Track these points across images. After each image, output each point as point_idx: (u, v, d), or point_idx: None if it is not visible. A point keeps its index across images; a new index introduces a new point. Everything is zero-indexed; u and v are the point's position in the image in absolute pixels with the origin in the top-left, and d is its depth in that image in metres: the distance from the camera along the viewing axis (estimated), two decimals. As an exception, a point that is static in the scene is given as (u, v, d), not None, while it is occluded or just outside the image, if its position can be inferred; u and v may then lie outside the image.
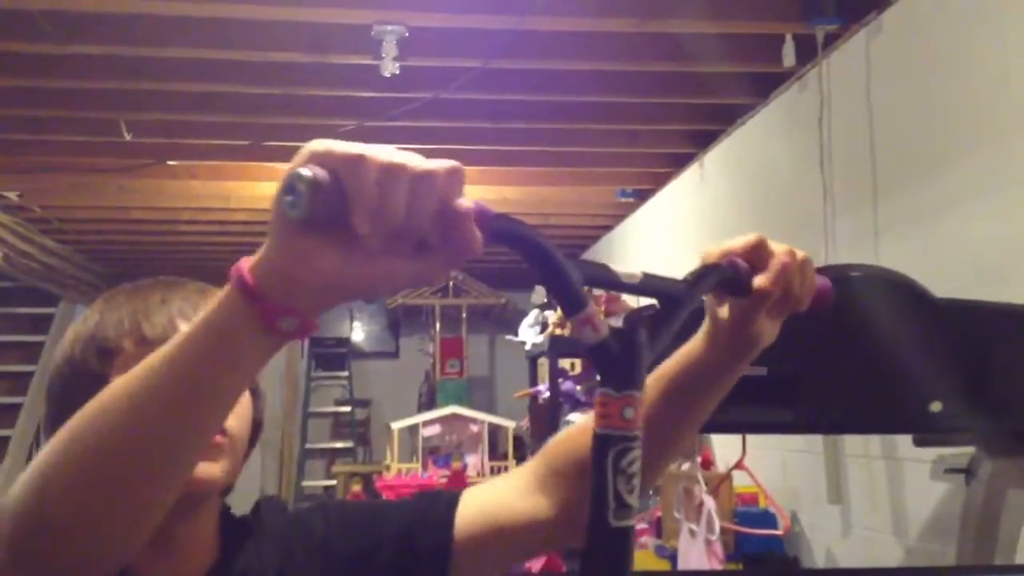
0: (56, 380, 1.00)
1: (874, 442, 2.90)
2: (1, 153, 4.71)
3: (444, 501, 1.05)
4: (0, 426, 6.67)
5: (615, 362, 0.73)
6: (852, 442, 3.05)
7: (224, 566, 1.01)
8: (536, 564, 3.50)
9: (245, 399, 1.01)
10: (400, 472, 5.00)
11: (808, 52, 3.27)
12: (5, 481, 6.51)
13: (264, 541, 1.04)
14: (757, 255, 0.89)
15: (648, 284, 0.79)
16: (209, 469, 0.95)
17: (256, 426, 1.06)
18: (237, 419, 0.99)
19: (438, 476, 3.78)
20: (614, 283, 0.77)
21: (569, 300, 0.72)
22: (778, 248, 0.90)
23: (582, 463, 0.81)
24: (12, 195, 5.35)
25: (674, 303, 0.81)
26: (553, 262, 0.71)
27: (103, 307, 1.01)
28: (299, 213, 0.64)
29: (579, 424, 0.99)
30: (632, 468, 0.71)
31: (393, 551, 1.02)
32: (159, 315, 0.98)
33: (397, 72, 3.30)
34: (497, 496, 1.03)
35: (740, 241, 0.89)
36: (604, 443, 0.71)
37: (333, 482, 7.71)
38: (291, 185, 0.65)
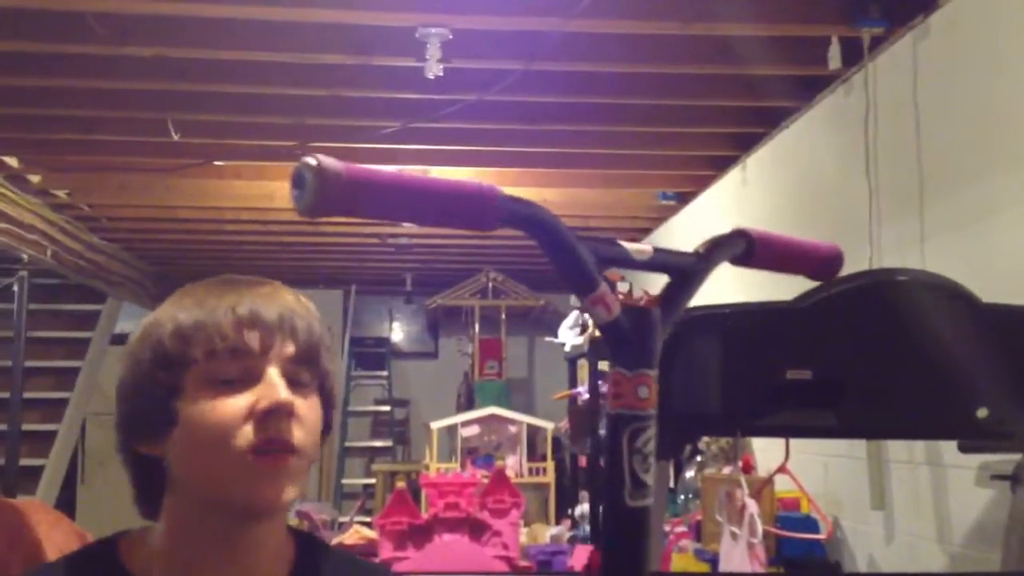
0: (128, 384, 0.99)
1: (918, 448, 2.88)
2: (51, 152, 4.80)
3: None
4: (47, 420, 6.77)
5: (628, 341, 0.73)
6: (896, 448, 3.02)
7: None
8: (579, 561, 3.51)
9: (315, 411, 1.00)
10: (440, 471, 5.03)
11: (854, 55, 3.25)
12: (51, 474, 6.62)
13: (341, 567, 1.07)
14: None
15: (659, 260, 0.79)
16: (282, 493, 0.95)
17: (326, 427, 1.05)
18: (308, 434, 0.98)
19: (480, 476, 3.79)
20: (625, 260, 0.77)
21: (581, 279, 0.73)
22: None
23: None
24: (61, 193, 5.44)
25: (687, 277, 0.80)
26: (564, 241, 0.72)
27: (175, 307, 0.99)
28: (305, 204, 0.63)
29: None
30: (647, 448, 0.71)
31: None
32: (229, 325, 0.96)
33: (441, 74, 3.32)
34: None
35: None
36: (618, 423, 0.71)
37: (372, 480, 7.76)
38: (298, 176, 0.64)
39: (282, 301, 1.00)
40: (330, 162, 0.62)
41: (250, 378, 0.95)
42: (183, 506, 0.98)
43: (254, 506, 0.95)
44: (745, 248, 0.84)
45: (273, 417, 0.94)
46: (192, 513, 0.97)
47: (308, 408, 0.98)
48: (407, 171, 0.69)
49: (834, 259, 0.94)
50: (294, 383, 0.97)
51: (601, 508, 0.73)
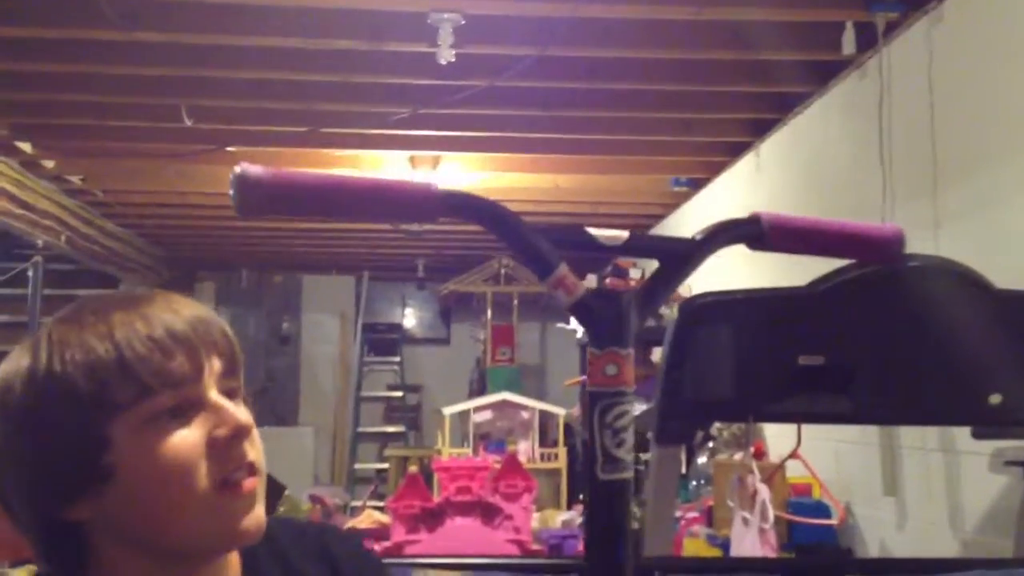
0: (26, 443, 0.83)
1: (931, 434, 2.88)
2: (65, 138, 4.82)
3: None
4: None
5: (595, 321, 0.74)
6: (908, 434, 3.02)
7: None
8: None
9: (249, 415, 0.89)
10: (453, 456, 5.05)
11: (868, 40, 3.23)
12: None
13: (289, 566, 0.98)
14: None
15: (639, 245, 0.79)
16: (261, 516, 0.87)
17: None
18: (257, 448, 0.89)
19: (492, 461, 3.81)
20: (590, 246, 0.77)
21: (537, 263, 0.74)
22: None
23: None
24: (75, 179, 5.46)
25: (678, 262, 0.80)
26: (516, 228, 0.73)
27: (71, 353, 0.82)
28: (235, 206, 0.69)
29: None
30: (619, 423, 0.72)
31: None
32: (154, 354, 0.83)
33: (453, 60, 3.31)
34: None
35: None
36: (591, 399, 0.73)
37: (385, 465, 7.79)
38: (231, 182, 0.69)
39: (193, 313, 0.88)
40: (252, 170, 0.67)
41: (192, 407, 0.84)
42: (131, 560, 0.86)
43: (236, 540, 0.87)
44: (754, 232, 0.82)
45: (233, 443, 0.85)
46: (145, 565, 0.86)
47: (248, 415, 0.88)
48: (344, 174, 0.72)
49: (875, 240, 0.92)
50: (231, 394, 0.88)
51: None
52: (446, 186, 0.72)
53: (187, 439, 0.83)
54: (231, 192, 0.66)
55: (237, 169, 0.66)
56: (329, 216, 0.71)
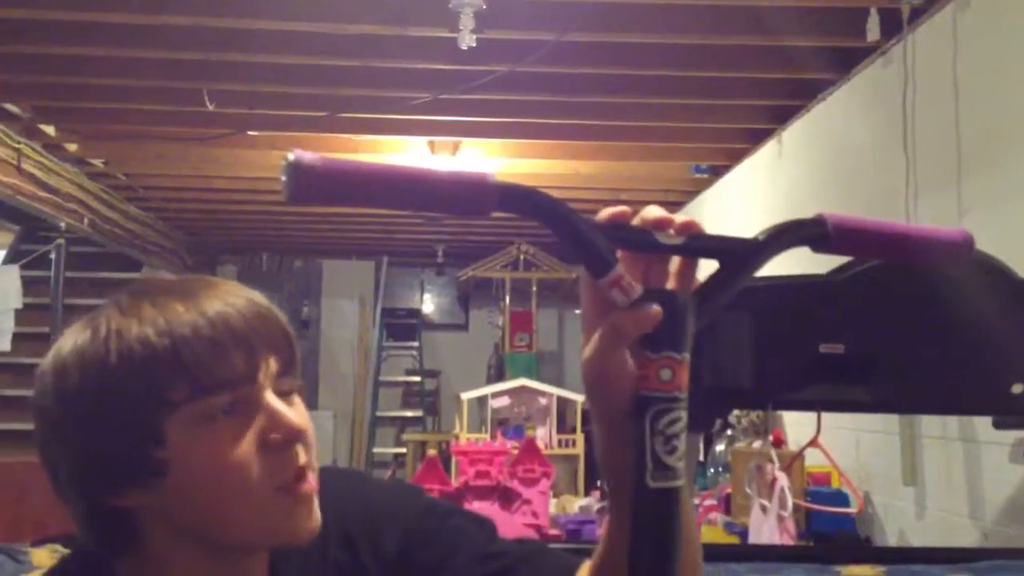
0: (78, 428, 0.83)
1: (952, 423, 2.86)
2: (88, 121, 4.84)
3: (563, 563, 0.96)
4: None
5: None
6: (929, 423, 3.00)
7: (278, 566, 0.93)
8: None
9: (309, 419, 0.89)
10: (471, 441, 5.06)
11: (893, 26, 3.20)
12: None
13: (328, 539, 0.94)
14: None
15: (697, 245, 0.75)
16: (317, 517, 0.87)
17: None
18: (313, 449, 0.88)
19: (510, 446, 3.81)
20: (649, 244, 0.74)
21: (593, 262, 0.72)
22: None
23: None
24: (98, 162, 5.49)
25: (739, 262, 0.77)
26: (573, 224, 0.71)
27: (129, 343, 0.81)
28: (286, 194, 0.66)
29: None
30: (671, 429, 0.71)
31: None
32: (209, 351, 0.82)
33: (474, 44, 3.31)
34: None
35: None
36: (641, 404, 0.71)
37: (403, 449, 7.82)
38: (282, 169, 0.66)
39: (255, 309, 0.86)
40: (306, 157, 0.66)
41: (247, 407, 0.84)
42: (176, 545, 0.86)
43: (294, 540, 0.86)
44: (819, 234, 0.78)
45: (288, 446, 0.84)
46: (190, 553, 0.87)
47: (306, 419, 0.87)
48: (399, 164, 0.70)
49: (944, 244, 0.84)
50: (286, 395, 0.87)
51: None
52: (501, 179, 0.70)
53: (241, 439, 0.82)
54: (283, 178, 0.65)
55: (291, 155, 0.65)
56: (380, 206, 0.70)
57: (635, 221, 0.75)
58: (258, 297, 0.88)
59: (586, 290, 0.77)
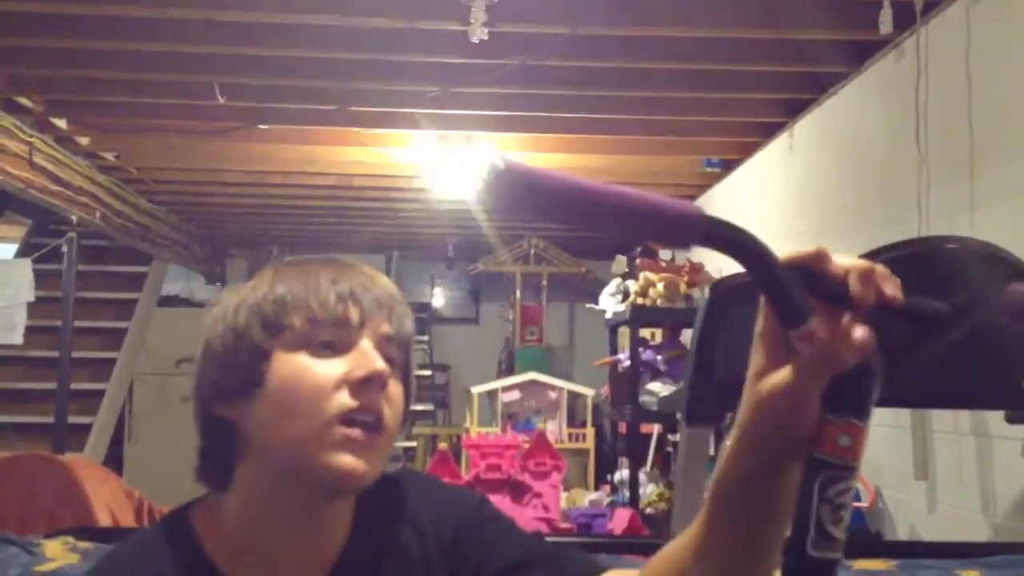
0: (217, 345, 0.97)
1: (963, 418, 2.85)
2: (100, 115, 4.85)
3: (581, 561, 1.00)
4: (96, 379, 6.89)
5: (838, 384, 0.66)
6: (940, 418, 3.00)
7: (357, 546, 0.99)
8: (619, 525, 3.52)
9: (401, 394, 0.98)
10: (481, 434, 5.07)
11: (906, 19, 3.19)
12: (99, 432, 6.75)
13: (403, 523, 1.02)
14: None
15: (893, 307, 0.67)
16: (367, 469, 0.92)
17: (405, 419, 1.02)
18: (395, 414, 0.96)
19: (521, 440, 3.82)
20: (844, 300, 0.66)
21: (786, 312, 0.67)
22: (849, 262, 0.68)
23: None
24: (110, 156, 5.51)
25: (932, 327, 0.69)
26: (773, 272, 0.66)
27: (273, 279, 0.97)
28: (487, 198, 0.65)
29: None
30: (840, 499, 0.66)
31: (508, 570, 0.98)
32: (330, 295, 0.95)
33: (486, 38, 3.30)
34: None
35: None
36: (814, 468, 0.66)
37: (413, 443, 7.83)
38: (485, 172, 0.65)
39: (384, 285, 1.00)
40: (515, 165, 0.64)
41: (345, 346, 0.94)
42: (259, 477, 0.95)
43: (337, 478, 0.91)
44: None
45: (368, 387, 0.92)
46: (268, 485, 0.95)
47: (397, 389, 0.97)
48: (604, 184, 0.66)
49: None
50: (387, 362, 0.96)
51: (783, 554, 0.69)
52: (711, 213, 0.67)
53: (329, 368, 0.93)
54: (485, 180, 0.64)
55: (498, 161, 0.64)
56: (576, 223, 0.68)
57: (831, 269, 0.67)
58: (393, 286, 1.02)
59: (768, 318, 0.70)
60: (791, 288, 0.66)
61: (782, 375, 0.68)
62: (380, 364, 0.93)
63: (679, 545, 0.81)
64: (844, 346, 0.65)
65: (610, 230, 0.67)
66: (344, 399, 0.91)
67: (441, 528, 1.01)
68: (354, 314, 0.95)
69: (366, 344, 0.94)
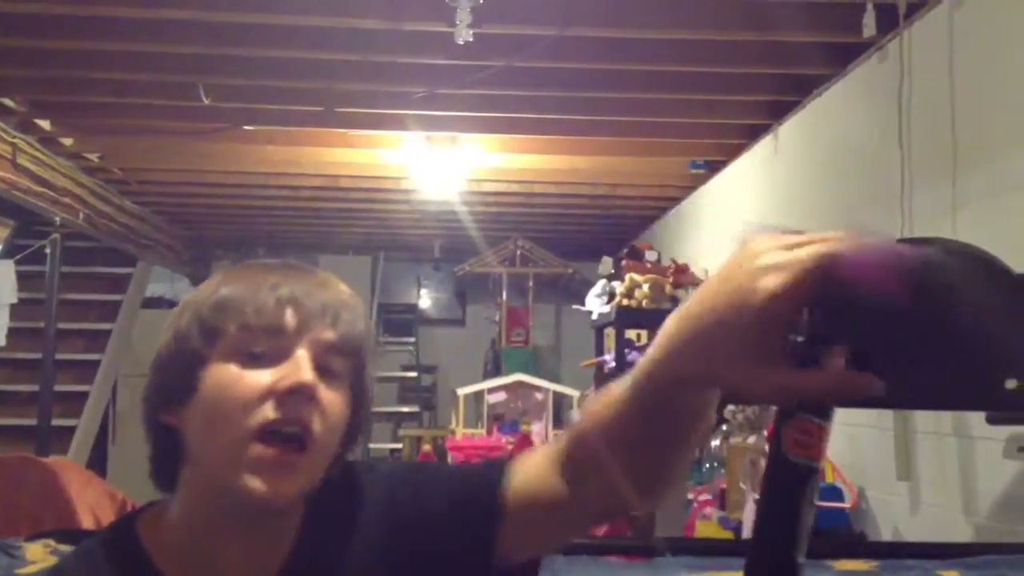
0: (162, 348, 0.96)
1: (945, 419, 2.87)
2: (84, 116, 4.83)
3: (498, 465, 0.99)
4: (79, 382, 6.87)
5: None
6: (923, 419, 3.01)
7: (303, 552, 0.97)
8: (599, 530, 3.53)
9: (341, 406, 0.95)
10: (467, 436, 5.07)
11: (889, 22, 3.20)
12: (83, 434, 6.72)
13: (352, 519, 1.00)
14: None
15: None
16: (281, 487, 0.90)
17: (354, 430, 1.00)
18: (327, 427, 0.93)
19: (505, 441, 3.82)
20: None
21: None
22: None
23: (599, 458, 0.83)
24: (93, 157, 5.48)
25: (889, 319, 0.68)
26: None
27: (219, 282, 0.96)
28: None
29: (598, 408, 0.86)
30: (815, 497, 0.65)
31: (447, 511, 0.97)
32: (268, 301, 0.93)
33: (471, 39, 3.30)
34: (538, 467, 0.94)
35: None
36: (803, 474, 0.65)
37: (399, 445, 7.83)
38: None
39: (332, 290, 0.97)
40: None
41: (278, 357, 0.91)
42: (198, 486, 0.94)
43: (250, 501, 0.89)
44: None
45: (293, 398, 0.89)
46: (207, 495, 0.94)
47: (334, 400, 0.93)
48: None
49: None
50: (326, 372, 0.93)
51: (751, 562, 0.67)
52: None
53: (256, 378, 0.90)
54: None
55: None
56: None
57: None
58: (350, 294, 0.99)
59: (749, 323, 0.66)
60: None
61: (750, 376, 0.66)
62: (307, 375, 0.90)
63: (593, 431, 0.85)
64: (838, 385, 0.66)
65: None
66: (267, 411, 0.89)
67: (384, 510, 0.99)
68: (291, 321, 0.92)
69: (300, 354, 0.91)
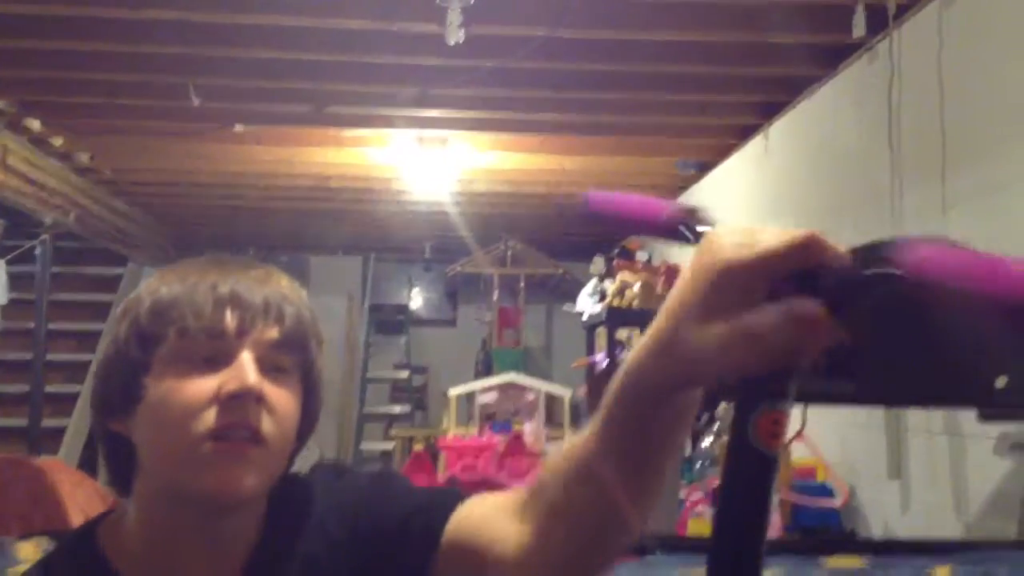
0: (102, 356, 0.95)
1: (936, 418, 2.88)
2: (74, 116, 4.82)
3: (452, 495, 0.97)
4: (70, 382, 6.84)
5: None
6: (914, 418, 3.02)
7: (263, 554, 0.97)
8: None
9: (291, 401, 0.94)
10: (459, 436, 5.07)
11: (878, 23, 3.22)
12: (73, 435, 6.70)
13: (306, 518, 0.99)
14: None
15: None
16: (239, 483, 0.89)
17: (309, 421, 1.00)
18: (278, 424, 0.92)
19: (496, 441, 3.82)
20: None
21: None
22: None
23: (556, 504, 0.79)
24: (84, 157, 5.47)
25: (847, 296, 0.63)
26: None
27: (156, 286, 0.93)
28: None
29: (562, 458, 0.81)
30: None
31: (395, 528, 0.96)
32: (207, 303, 0.90)
33: (461, 40, 3.30)
34: (493, 508, 0.91)
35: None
36: (772, 465, 0.62)
37: (390, 445, 7.82)
38: None
39: (272, 285, 0.94)
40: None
41: (222, 360, 0.90)
42: (151, 493, 0.93)
43: (207, 495, 0.89)
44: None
45: (239, 402, 0.88)
46: (161, 501, 0.93)
47: (283, 397, 0.93)
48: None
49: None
50: (273, 370, 0.92)
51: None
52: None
53: (200, 385, 0.89)
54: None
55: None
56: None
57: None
58: (293, 288, 0.97)
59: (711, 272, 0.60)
60: None
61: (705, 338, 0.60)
62: (251, 379, 0.89)
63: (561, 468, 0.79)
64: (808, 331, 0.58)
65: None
66: (211, 417, 0.88)
67: (345, 516, 0.99)
68: (231, 323, 0.90)
69: (244, 356, 0.90)
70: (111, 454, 0.96)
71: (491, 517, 0.89)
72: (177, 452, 0.88)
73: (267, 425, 0.90)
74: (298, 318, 0.95)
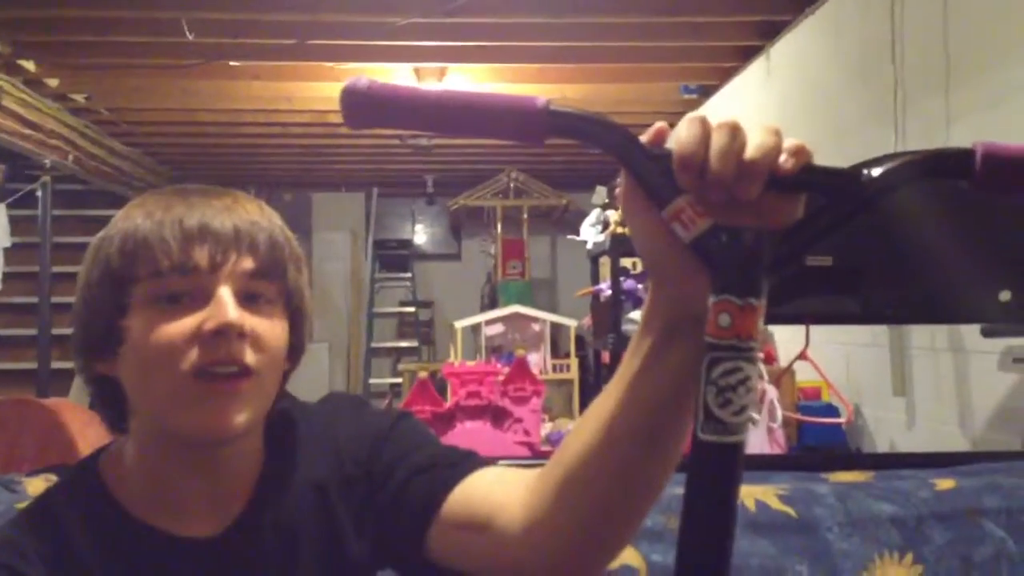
0: (79, 303, 0.93)
1: (941, 334, 2.88)
2: (69, 55, 4.77)
3: (468, 459, 0.96)
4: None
5: (713, 263, 0.65)
6: (918, 334, 3.02)
7: (270, 479, 0.97)
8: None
9: (276, 329, 0.92)
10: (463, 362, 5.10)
11: (881, -65, 3.15)
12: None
13: (316, 446, 0.99)
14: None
15: (781, 180, 0.65)
16: (229, 419, 0.88)
17: (297, 343, 0.98)
18: (265, 354, 0.90)
19: (500, 367, 3.84)
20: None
21: (655, 192, 0.67)
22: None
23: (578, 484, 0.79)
24: (80, 97, 5.42)
25: (840, 199, 0.66)
26: (634, 152, 0.67)
27: (122, 225, 0.90)
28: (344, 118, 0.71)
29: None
30: (726, 380, 0.63)
31: (403, 479, 0.95)
32: (175, 239, 0.88)
33: (457, -35, 3.25)
34: (503, 488, 0.90)
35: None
36: (702, 350, 0.65)
37: (399, 379, 7.87)
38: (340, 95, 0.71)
39: (241, 212, 0.91)
40: (359, 83, 0.69)
41: (200, 296, 0.88)
42: (146, 429, 0.93)
43: (199, 433, 0.88)
44: (959, 166, 0.66)
45: (221, 339, 0.87)
46: (155, 437, 0.92)
47: (267, 327, 0.91)
48: (453, 89, 0.70)
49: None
50: (253, 299, 0.90)
51: None
52: (557, 104, 0.68)
53: (180, 325, 0.87)
54: (340, 104, 0.68)
55: (346, 82, 0.69)
56: (431, 130, 0.71)
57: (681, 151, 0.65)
58: (264, 212, 0.95)
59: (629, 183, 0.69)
60: (652, 170, 0.67)
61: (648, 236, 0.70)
62: (231, 314, 0.87)
63: (579, 443, 0.80)
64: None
65: (465, 133, 0.69)
66: (195, 355, 0.86)
67: (358, 449, 0.99)
68: (203, 259, 0.88)
69: (222, 292, 0.88)
70: (101, 396, 0.95)
71: (499, 487, 0.90)
72: (163, 393, 0.87)
73: (252, 357, 0.89)
74: (272, 244, 0.92)
